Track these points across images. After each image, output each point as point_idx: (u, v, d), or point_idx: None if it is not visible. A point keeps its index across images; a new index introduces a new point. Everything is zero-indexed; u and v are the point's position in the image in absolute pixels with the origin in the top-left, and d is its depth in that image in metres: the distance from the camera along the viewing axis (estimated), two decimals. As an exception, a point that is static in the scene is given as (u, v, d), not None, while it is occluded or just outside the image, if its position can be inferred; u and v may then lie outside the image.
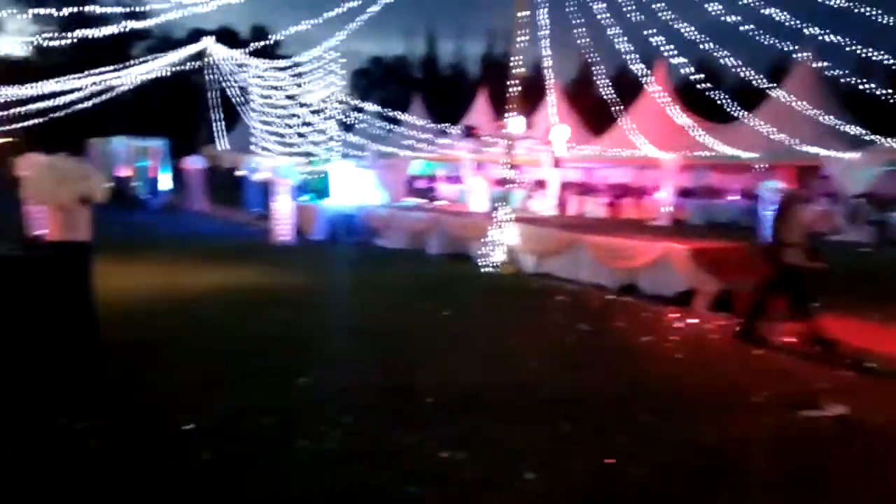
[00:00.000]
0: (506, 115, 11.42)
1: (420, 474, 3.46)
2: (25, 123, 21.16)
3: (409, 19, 66.04)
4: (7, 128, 20.94)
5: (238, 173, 21.48)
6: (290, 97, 22.21)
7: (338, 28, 16.84)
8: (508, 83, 11.15)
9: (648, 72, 19.20)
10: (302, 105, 21.43)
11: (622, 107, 20.24)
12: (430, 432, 4.00)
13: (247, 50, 22.59)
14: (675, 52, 16.01)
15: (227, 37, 33.47)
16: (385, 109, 22.96)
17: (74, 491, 3.22)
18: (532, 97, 16.86)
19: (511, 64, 11.25)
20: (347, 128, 23.21)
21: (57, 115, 20.70)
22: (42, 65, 33.40)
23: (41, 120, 20.99)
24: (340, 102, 19.43)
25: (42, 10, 17.00)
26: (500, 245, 10.52)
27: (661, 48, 15.78)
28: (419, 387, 4.85)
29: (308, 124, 19.74)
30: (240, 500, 3.22)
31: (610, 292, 8.69)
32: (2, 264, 4.25)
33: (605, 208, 21.49)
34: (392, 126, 25.54)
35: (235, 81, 23.76)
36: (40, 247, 5.67)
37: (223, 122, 25.38)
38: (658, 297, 8.18)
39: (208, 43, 24.65)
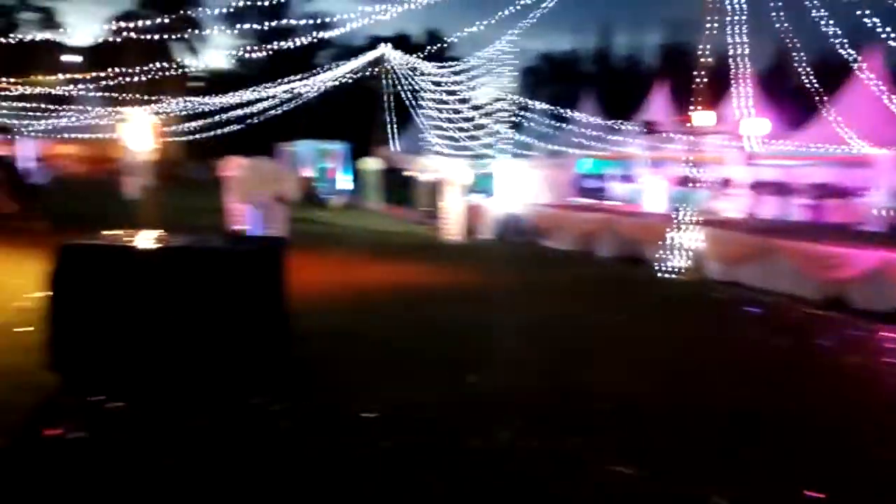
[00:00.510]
0: (691, 108, 10.72)
1: (597, 486, 3.33)
2: (226, 129, 23.85)
3: (581, 13, 64.85)
4: (209, 134, 23.73)
5: (408, 173, 22.46)
6: (459, 99, 22.81)
7: (508, 27, 16.96)
8: (694, 74, 10.46)
9: (858, 57, 16.96)
10: (470, 105, 21.89)
11: (825, 97, 18.10)
12: (601, 440, 3.88)
13: (420, 54, 23.54)
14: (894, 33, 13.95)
15: (403, 42, 35.21)
16: (554, 107, 22.71)
17: (266, 463, 3.53)
18: (720, 89, 15.68)
19: (698, 53, 10.54)
20: (515, 127, 23.31)
21: (252, 121, 23.09)
22: (242, 75, 37.55)
23: (240, 126, 23.53)
24: (508, 101, 19.55)
25: (244, 26, 19.04)
26: (681, 249, 9.89)
27: (878, 29, 13.83)
28: (590, 393, 4.71)
29: (477, 125, 20.11)
30: (419, 491, 3.31)
31: (811, 305, 7.81)
32: (215, 256, 4.75)
33: (805, 210, 19.34)
34: (561, 124, 25.19)
35: (409, 85, 24.88)
36: (242, 240, 6.33)
37: (396, 125, 26.71)
38: (870, 314, 7.20)
39: (385, 49, 26.06)
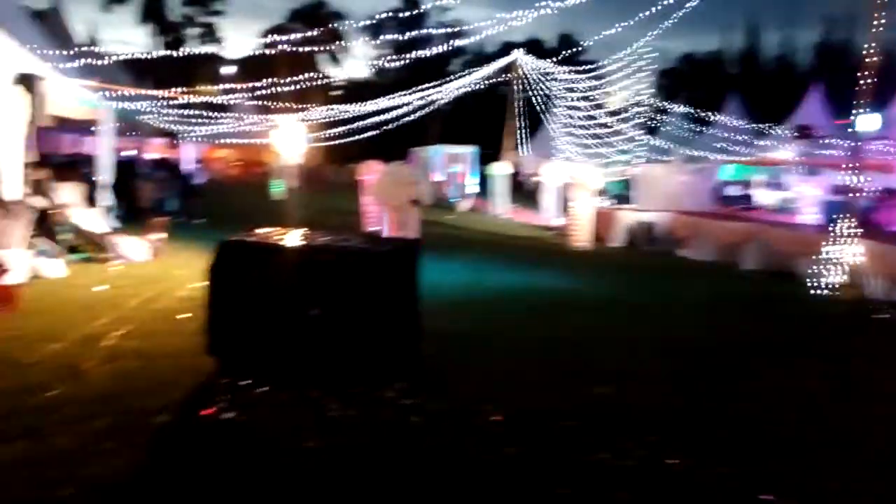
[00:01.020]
0: (853, 111, 9.75)
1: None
2: (364, 135, 24.97)
3: (727, 11, 61.19)
4: (348, 140, 24.96)
5: (536, 178, 22.31)
6: (594, 104, 22.32)
7: (648, 29, 16.34)
8: (857, 74, 9.50)
9: None
10: (602, 109, 21.32)
11: None
12: (746, 468, 3.60)
13: (554, 59, 23.33)
14: None
15: (535, 47, 35.10)
16: (695, 110, 21.59)
17: (395, 455, 3.64)
18: (886, 90, 14.14)
19: (864, 52, 9.56)
20: (651, 131, 22.42)
21: (388, 127, 24.00)
22: (378, 84, 39.20)
23: (376, 132, 24.54)
24: (644, 105, 18.83)
25: (383, 37, 19.88)
26: (838, 263, 9.02)
27: None
28: (732, 415, 4.39)
29: (611, 130, 19.57)
30: (544, 502, 3.26)
31: None
32: (355, 254, 4.97)
33: None
34: (701, 127, 23.90)
35: (540, 90, 24.73)
36: (380, 240, 6.58)
37: (527, 130, 26.65)
38: None
39: (517, 55, 26.10)
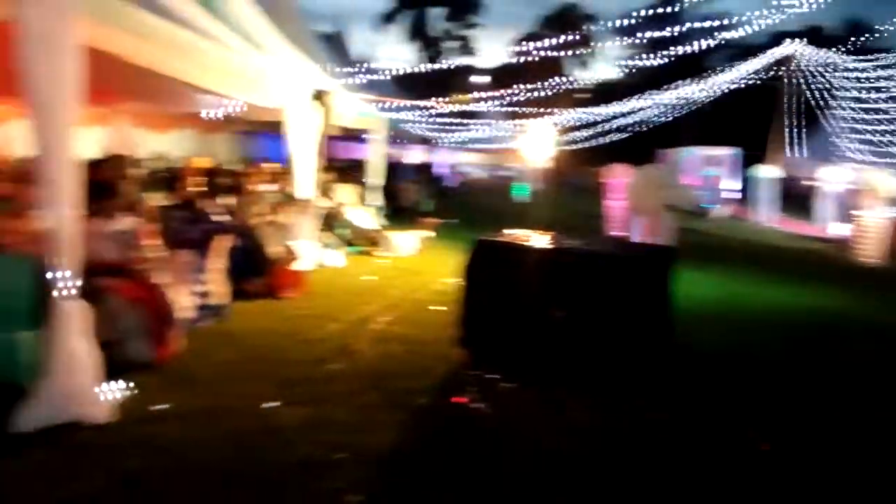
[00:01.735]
0: None
1: None
2: (611, 137, 24.47)
3: None
4: (594, 142, 24.65)
5: (811, 183, 19.72)
6: (887, 94, 19.07)
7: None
8: None
9: None
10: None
11: None
12: None
13: (839, 48, 20.43)
14: None
15: (814, 36, 31.09)
16: None
17: (631, 471, 3.48)
18: None
19: None
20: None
21: (639, 128, 23.17)
22: (627, 84, 38.07)
23: (625, 134, 23.88)
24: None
25: (638, 36, 19.25)
26: None
27: None
28: None
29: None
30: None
31: None
32: (606, 258, 4.88)
33: None
34: None
35: (819, 84, 21.83)
36: (629, 245, 6.38)
37: (801, 129, 23.73)
38: None
39: (794, 46, 23.33)
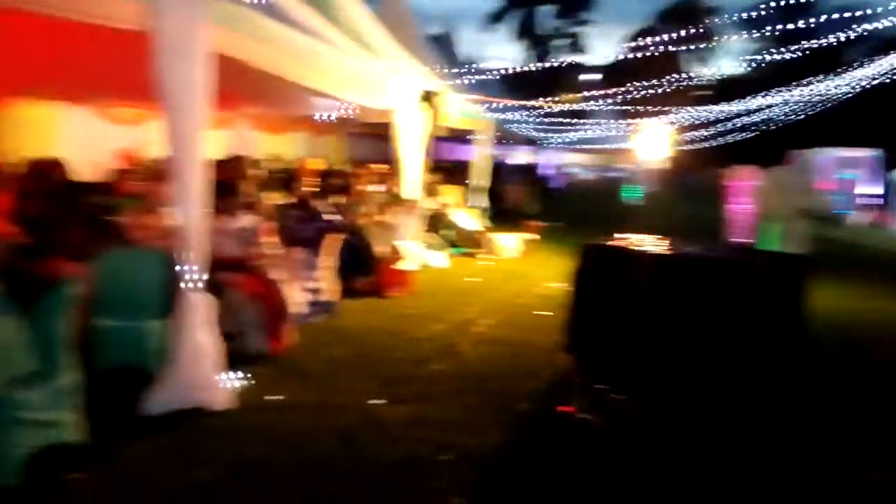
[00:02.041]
0: None
1: None
2: (733, 136, 23.19)
3: None
4: (714, 142, 23.44)
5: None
6: None
7: None
8: None
9: None
10: None
11: None
12: None
13: None
14: None
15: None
16: None
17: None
18: None
19: None
20: None
21: (766, 127, 21.80)
22: (752, 80, 35.95)
23: (750, 133, 22.55)
24: None
25: (764, 29, 18.12)
26: None
27: None
28: None
29: None
30: None
31: None
32: (734, 268, 4.64)
33: None
34: None
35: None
36: (759, 255, 6.00)
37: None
38: None
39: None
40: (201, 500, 3.08)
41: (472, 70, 16.08)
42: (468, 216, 11.35)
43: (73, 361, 3.33)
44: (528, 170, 23.58)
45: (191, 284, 3.89)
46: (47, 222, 5.15)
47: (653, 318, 4.49)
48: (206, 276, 3.96)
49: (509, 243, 10.54)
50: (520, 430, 4.00)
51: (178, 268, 3.89)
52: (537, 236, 11.39)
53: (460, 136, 14.24)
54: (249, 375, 4.38)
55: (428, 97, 8.39)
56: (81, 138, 10.08)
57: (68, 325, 3.35)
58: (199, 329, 3.92)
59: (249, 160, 10.38)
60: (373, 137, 15.27)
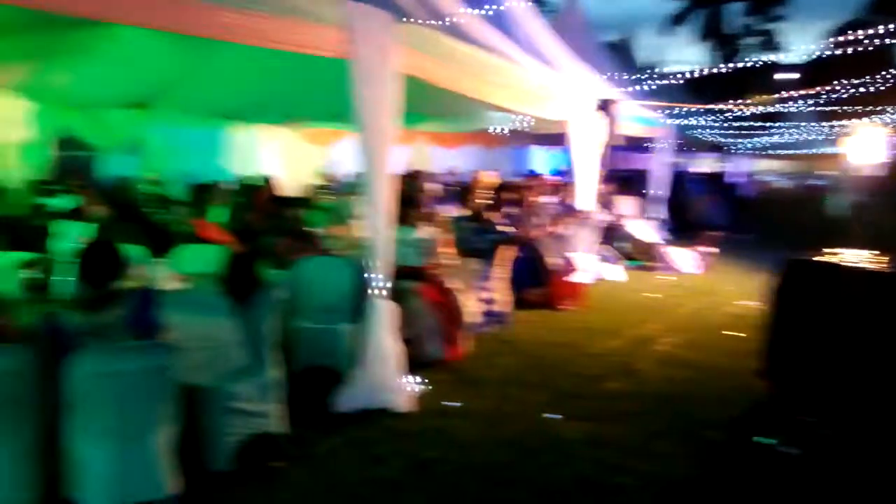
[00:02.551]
0: None
1: None
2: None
3: None
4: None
5: None
6: None
7: None
8: None
9: None
10: None
11: None
12: None
13: None
14: None
15: None
16: None
17: None
18: None
19: None
20: None
21: None
22: None
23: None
24: None
25: None
26: None
27: None
28: None
29: None
30: None
31: None
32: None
33: None
34: None
35: None
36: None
37: None
38: None
39: None
40: (383, 495, 3.28)
41: (653, 75, 15.47)
42: (646, 228, 10.92)
43: (277, 359, 3.71)
44: (715, 178, 22.14)
45: (377, 291, 4.17)
46: (257, 232, 5.81)
47: (868, 343, 4.00)
48: (390, 284, 4.22)
49: (691, 257, 9.98)
50: (709, 459, 3.77)
51: (366, 275, 4.19)
52: (715, 249, 10.56)
53: (638, 145, 13.77)
54: (427, 380, 4.58)
55: (604, 106, 8.24)
56: (284, 157, 11.24)
57: (274, 326, 3.74)
58: (385, 334, 4.18)
59: (427, 174, 10.88)
60: (545, 148, 15.28)
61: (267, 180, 8.35)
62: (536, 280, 7.11)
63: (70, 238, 5.00)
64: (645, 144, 12.95)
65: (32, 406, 2.79)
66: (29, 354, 2.77)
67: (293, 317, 4.55)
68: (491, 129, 11.57)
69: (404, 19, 4.19)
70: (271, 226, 5.93)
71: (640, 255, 10.15)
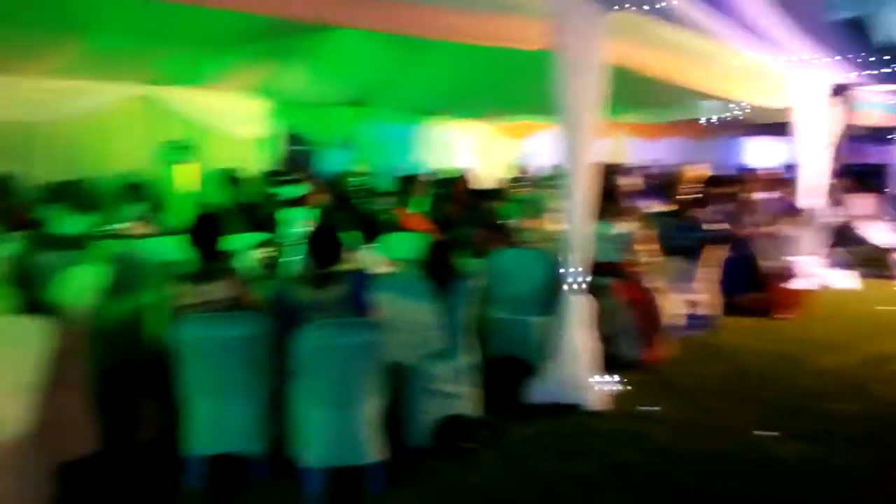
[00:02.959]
0: None
1: None
2: None
3: None
4: None
5: None
6: None
7: None
8: None
9: None
10: None
11: None
12: None
13: None
14: None
15: None
16: None
17: None
18: None
19: None
20: None
21: None
22: None
23: None
24: None
25: None
26: None
27: None
28: None
29: None
30: None
31: None
32: None
33: None
34: None
35: None
36: None
37: None
38: None
39: None
40: (576, 492, 3.25)
41: (897, 55, 13.46)
42: (884, 230, 9.56)
43: (472, 345, 3.84)
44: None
45: (572, 286, 4.13)
46: (454, 223, 6.05)
47: None
48: (587, 279, 4.16)
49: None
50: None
51: (560, 269, 4.17)
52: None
53: (879, 136, 12.11)
54: (622, 381, 4.45)
55: (840, 91, 7.35)
56: (479, 151, 11.59)
57: (470, 313, 3.87)
58: (578, 329, 4.14)
59: (626, 167, 10.53)
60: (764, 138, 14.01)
61: (463, 173, 8.65)
62: (750, 284, 6.57)
63: (296, 223, 5.61)
64: (889, 136, 11.38)
65: (266, 369, 3.19)
66: (266, 323, 3.17)
67: (487, 306, 4.67)
68: (702, 120, 10.87)
69: (615, 7, 4.08)
70: (468, 217, 6.13)
71: (876, 261, 8.92)
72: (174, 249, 4.15)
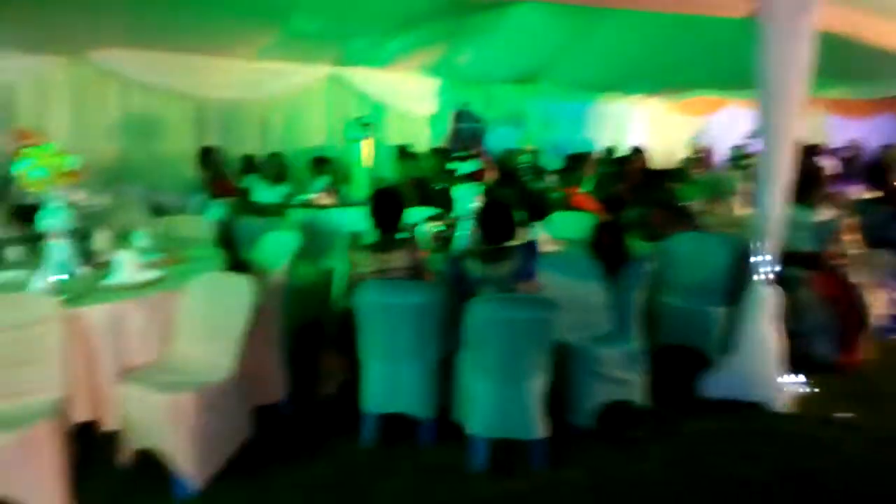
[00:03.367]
0: None
1: None
2: None
3: None
4: None
5: None
6: None
7: None
8: None
9: None
10: None
11: None
12: None
13: None
14: None
15: None
16: None
17: None
18: None
19: None
20: None
21: None
22: None
23: None
24: None
25: None
26: None
27: None
28: None
29: None
30: None
31: None
32: None
33: None
34: None
35: None
36: None
37: None
38: None
39: None
40: (752, 499, 3.03)
41: None
42: None
43: (641, 331, 3.69)
44: None
45: (762, 275, 3.81)
46: (625, 203, 5.81)
47: None
48: (777, 269, 3.82)
49: None
50: None
51: (748, 257, 3.86)
52: None
53: None
54: (813, 383, 4.06)
55: None
56: (652, 128, 11.04)
57: (641, 297, 3.72)
58: (766, 323, 3.82)
59: (826, 148, 9.49)
60: None
61: (638, 151, 8.27)
62: None
63: (467, 199, 5.70)
64: None
65: (437, 337, 3.30)
66: (439, 293, 3.27)
67: (660, 292, 4.45)
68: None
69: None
70: (640, 197, 5.85)
71: None
72: (356, 220, 4.41)
